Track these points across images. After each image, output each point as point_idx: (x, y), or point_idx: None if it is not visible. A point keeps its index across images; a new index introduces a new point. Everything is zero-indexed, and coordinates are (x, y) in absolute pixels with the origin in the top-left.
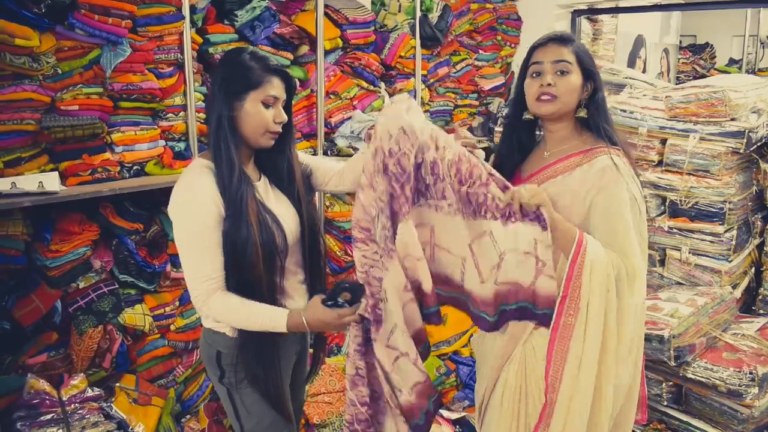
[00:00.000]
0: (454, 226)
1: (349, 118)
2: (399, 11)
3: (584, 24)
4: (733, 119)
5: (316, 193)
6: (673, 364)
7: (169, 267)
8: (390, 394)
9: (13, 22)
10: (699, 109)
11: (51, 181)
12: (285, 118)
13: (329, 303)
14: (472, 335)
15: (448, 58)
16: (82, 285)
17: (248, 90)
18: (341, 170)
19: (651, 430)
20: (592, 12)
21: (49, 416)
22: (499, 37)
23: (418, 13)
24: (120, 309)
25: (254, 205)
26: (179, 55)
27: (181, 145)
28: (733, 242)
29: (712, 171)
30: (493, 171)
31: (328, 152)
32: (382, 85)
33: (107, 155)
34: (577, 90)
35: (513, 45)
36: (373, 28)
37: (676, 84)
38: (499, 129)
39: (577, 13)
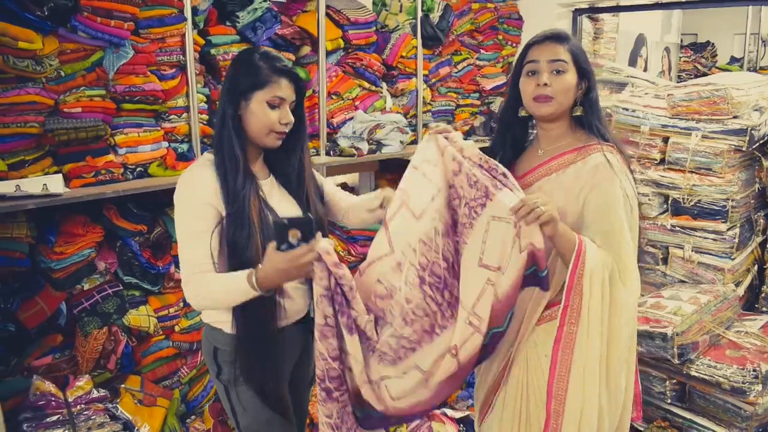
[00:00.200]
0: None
1: (351, 118)
2: (400, 11)
3: (585, 23)
4: (735, 117)
5: None
6: (676, 361)
7: (173, 268)
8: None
9: (16, 25)
10: (701, 107)
11: (55, 184)
12: (291, 119)
13: (282, 247)
14: None
15: (450, 57)
16: (86, 287)
17: (254, 89)
18: (346, 210)
19: (655, 427)
20: (593, 11)
21: (55, 417)
22: (500, 37)
23: (420, 13)
24: (124, 310)
25: (257, 202)
26: (181, 56)
27: (184, 147)
28: (736, 240)
29: (715, 169)
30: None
31: (331, 152)
32: (384, 85)
33: (110, 157)
34: (572, 89)
35: (514, 44)
36: (374, 28)
37: (678, 82)
38: None
39: (578, 12)
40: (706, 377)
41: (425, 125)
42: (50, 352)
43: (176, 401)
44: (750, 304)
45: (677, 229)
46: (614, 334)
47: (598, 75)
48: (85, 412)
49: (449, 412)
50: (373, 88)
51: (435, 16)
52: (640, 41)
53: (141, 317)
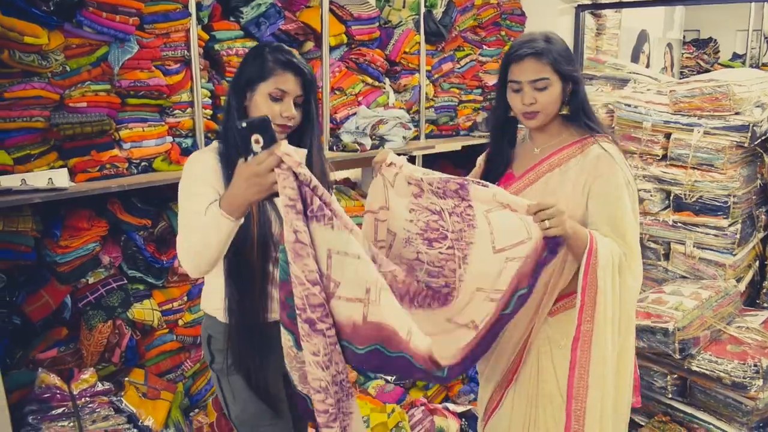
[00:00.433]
0: None
1: (354, 113)
2: (403, 7)
3: (588, 19)
4: (737, 113)
5: None
6: (677, 356)
7: (176, 262)
8: None
9: (22, 19)
10: (703, 104)
11: (60, 178)
12: (292, 113)
13: (248, 158)
14: None
15: (453, 53)
16: (91, 280)
17: (259, 81)
18: None
19: (656, 422)
20: (595, 7)
21: (60, 410)
22: (503, 33)
23: (423, 9)
24: (129, 304)
25: None
26: (186, 51)
27: (189, 141)
28: (738, 236)
29: (717, 165)
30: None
31: (334, 148)
32: (387, 80)
33: (115, 152)
34: (557, 98)
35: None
36: (377, 24)
37: (680, 79)
38: None
39: (580, 8)
40: (707, 372)
41: (428, 121)
42: (55, 345)
43: (180, 394)
44: (751, 299)
45: (679, 224)
46: (624, 324)
47: (600, 71)
48: (90, 405)
49: (451, 406)
50: (376, 83)
51: (438, 12)
52: (643, 37)
53: (145, 311)
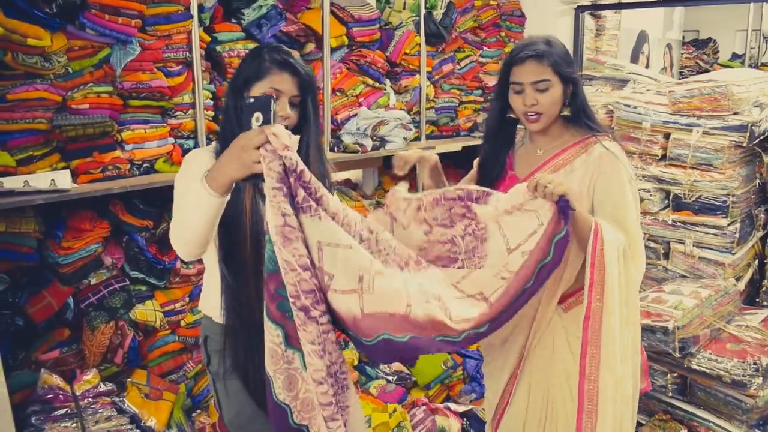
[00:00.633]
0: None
1: (355, 115)
2: (404, 8)
3: (587, 20)
4: (735, 113)
5: None
6: (677, 355)
7: (179, 263)
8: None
9: (25, 22)
10: (702, 104)
11: (63, 179)
12: (287, 112)
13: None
14: None
15: (453, 54)
16: (93, 281)
17: (255, 81)
18: None
19: (656, 420)
20: (595, 8)
21: (62, 411)
22: (503, 34)
23: (423, 11)
24: (131, 305)
25: (251, 191)
26: (188, 53)
27: (190, 143)
28: (737, 235)
29: (716, 165)
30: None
31: (335, 148)
32: (388, 82)
33: (117, 153)
34: (558, 100)
35: (517, 41)
36: (378, 25)
37: (680, 79)
38: None
39: (580, 9)
40: (707, 370)
41: (428, 122)
42: (58, 346)
43: (182, 395)
44: (750, 298)
45: (678, 224)
46: (631, 311)
47: (600, 72)
48: (93, 406)
49: (452, 406)
50: (377, 84)
51: (438, 14)
52: (642, 38)
53: (147, 312)
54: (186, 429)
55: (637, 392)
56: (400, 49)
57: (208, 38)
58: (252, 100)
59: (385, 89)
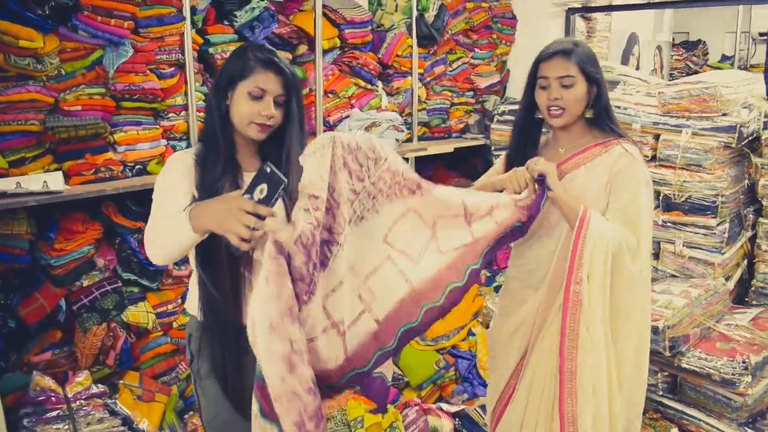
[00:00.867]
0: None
1: (348, 116)
2: (396, 11)
3: (578, 22)
4: (724, 114)
5: None
6: (667, 354)
7: (171, 265)
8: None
9: (17, 23)
10: (691, 105)
11: (55, 181)
12: (272, 112)
13: (245, 196)
14: (471, 330)
15: (445, 56)
16: (85, 283)
17: (239, 80)
18: None
19: (647, 419)
20: (586, 10)
21: (54, 413)
22: (494, 36)
23: (415, 13)
24: (123, 307)
25: (229, 191)
26: (180, 55)
27: (183, 145)
28: (726, 235)
29: (705, 165)
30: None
31: None
32: (380, 83)
33: (110, 155)
34: (582, 98)
35: (508, 43)
36: (370, 27)
37: (669, 80)
38: (495, 126)
39: (571, 11)
40: (697, 369)
41: (420, 123)
42: (50, 348)
43: (174, 397)
44: (740, 297)
45: (668, 224)
46: (617, 301)
47: None
48: (85, 408)
49: (445, 406)
50: (369, 86)
51: (430, 16)
52: (633, 40)
53: (140, 313)
54: (178, 430)
55: (638, 378)
56: (392, 51)
57: (200, 40)
58: (269, 170)
59: (377, 91)
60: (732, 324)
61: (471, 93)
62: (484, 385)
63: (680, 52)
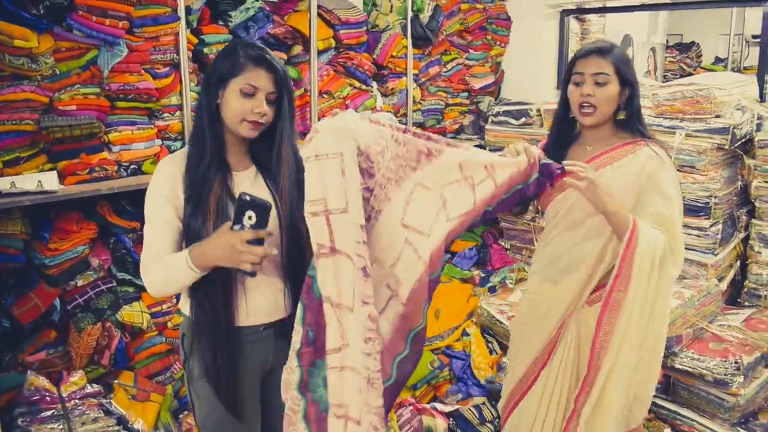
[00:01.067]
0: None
1: None
2: (390, 11)
3: (572, 23)
4: (718, 116)
5: None
6: None
7: None
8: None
9: (12, 23)
10: (685, 107)
11: (49, 181)
12: (263, 109)
13: (235, 227)
14: (465, 331)
15: (439, 57)
16: (80, 283)
17: (230, 77)
18: None
19: None
20: (580, 12)
21: (49, 413)
22: (489, 37)
23: (410, 14)
24: (118, 306)
25: (218, 191)
26: (175, 55)
27: (178, 145)
28: (719, 236)
29: (698, 167)
30: None
31: None
32: (375, 84)
33: (104, 154)
34: (614, 99)
35: (502, 44)
36: (365, 28)
37: (663, 82)
38: (489, 127)
39: (565, 13)
40: (690, 369)
41: (415, 124)
42: (44, 347)
43: (169, 397)
44: (732, 298)
45: None
46: (658, 309)
47: None
48: (80, 407)
49: (439, 406)
50: (364, 87)
51: (425, 17)
52: (627, 41)
53: (134, 313)
54: (173, 430)
55: (650, 375)
56: (386, 52)
57: (195, 40)
58: (249, 198)
59: (372, 91)
60: (725, 325)
61: (465, 94)
62: (478, 385)
63: (674, 54)
